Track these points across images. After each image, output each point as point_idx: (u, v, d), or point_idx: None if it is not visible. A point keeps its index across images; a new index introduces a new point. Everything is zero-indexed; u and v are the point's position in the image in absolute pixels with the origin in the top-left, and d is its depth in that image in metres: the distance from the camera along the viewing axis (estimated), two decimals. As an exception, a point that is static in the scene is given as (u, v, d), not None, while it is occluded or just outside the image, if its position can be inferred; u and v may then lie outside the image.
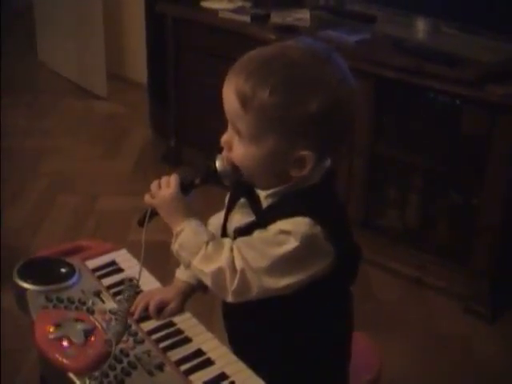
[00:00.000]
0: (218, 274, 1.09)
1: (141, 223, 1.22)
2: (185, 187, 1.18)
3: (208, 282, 1.12)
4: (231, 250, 1.10)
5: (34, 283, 1.26)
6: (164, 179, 1.19)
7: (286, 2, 3.01)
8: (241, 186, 1.18)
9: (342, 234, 1.14)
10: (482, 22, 2.39)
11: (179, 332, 1.23)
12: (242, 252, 1.09)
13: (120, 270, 1.38)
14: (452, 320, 2.42)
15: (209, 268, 1.10)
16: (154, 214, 1.20)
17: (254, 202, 1.16)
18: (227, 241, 1.13)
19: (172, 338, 1.21)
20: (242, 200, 1.19)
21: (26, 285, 1.26)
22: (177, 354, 1.18)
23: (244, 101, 1.06)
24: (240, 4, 3.05)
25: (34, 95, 4.25)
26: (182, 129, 3.34)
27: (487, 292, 2.40)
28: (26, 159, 3.44)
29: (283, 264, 1.08)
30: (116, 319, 1.12)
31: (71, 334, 1.13)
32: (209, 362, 1.17)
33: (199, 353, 1.19)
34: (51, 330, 1.13)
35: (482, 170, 2.32)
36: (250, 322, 1.22)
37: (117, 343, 1.09)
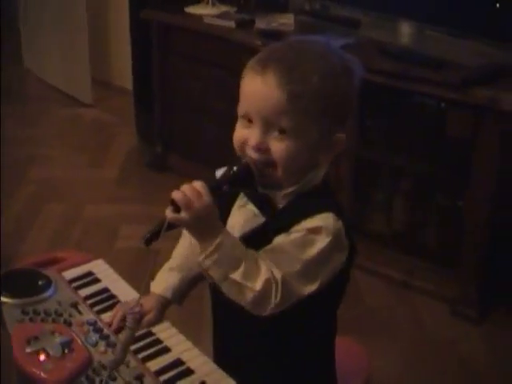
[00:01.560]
0: (266, 287, 1.02)
1: (148, 242, 1.06)
2: (216, 196, 1.04)
3: (249, 297, 1.02)
4: (263, 259, 1.04)
5: (9, 296, 1.25)
6: (190, 188, 1.01)
7: (271, 7, 3.01)
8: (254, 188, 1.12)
9: (350, 231, 1.13)
10: (467, 25, 2.40)
11: (158, 342, 1.22)
12: (276, 259, 1.05)
13: (97, 281, 1.36)
14: (440, 323, 2.42)
15: (256, 283, 1.02)
16: (170, 228, 1.04)
17: (265, 204, 1.13)
18: (253, 252, 1.06)
19: (151, 348, 1.20)
20: (241, 202, 1.16)
21: (1, 298, 1.25)
22: (156, 364, 1.17)
23: (292, 93, 1.04)
24: (225, 9, 3.05)
25: (19, 103, 4.23)
26: (168, 135, 3.33)
27: (474, 294, 2.40)
28: (12, 167, 3.42)
29: (319, 263, 1.06)
30: (118, 347, 1.10)
31: (48, 347, 1.13)
32: (189, 372, 1.17)
33: (179, 362, 1.18)
34: (28, 343, 1.12)
35: (467, 172, 2.32)
36: (241, 330, 1.20)
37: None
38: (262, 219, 1.13)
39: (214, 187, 1.05)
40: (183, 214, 1.01)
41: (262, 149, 1.06)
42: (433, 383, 2.17)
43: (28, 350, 1.12)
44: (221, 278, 1.03)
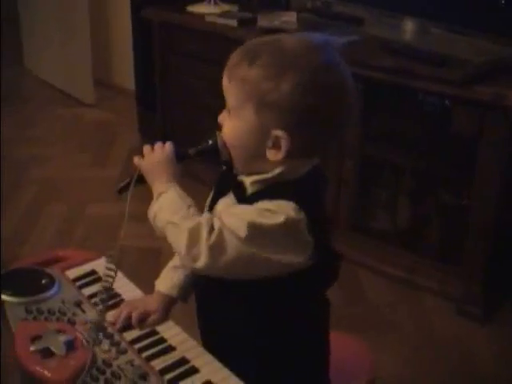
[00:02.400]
0: (196, 228, 1.06)
1: (121, 190, 1.20)
2: (179, 156, 1.18)
3: (183, 238, 1.06)
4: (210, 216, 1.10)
5: (13, 295, 1.24)
6: (158, 144, 1.19)
7: (273, 5, 3.01)
8: (228, 172, 1.18)
9: (323, 231, 1.13)
10: (470, 22, 2.38)
11: (162, 340, 1.21)
12: (222, 218, 1.07)
13: (100, 279, 1.35)
14: (444, 321, 2.41)
15: (187, 224, 1.07)
16: (139, 180, 1.18)
17: (237, 189, 1.15)
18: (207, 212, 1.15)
19: (155, 346, 1.19)
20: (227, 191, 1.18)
21: (4, 297, 1.24)
22: (161, 362, 1.16)
23: (229, 72, 1.10)
24: (226, 8, 3.04)
25: (21, 103, 4.23)
26: (170, 134, 3.32)
27: (479, 292, 2.39)
28: (14, 167, 3.42)
29: (262, 235, 1.05)
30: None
31: (52, 346, 1.12)
32: (193, 370, 1.16)
33: (183, 361, 1.17)
34: (32, 342, 1.11)
35: (472, 170, 2.31)
36: (224, 316, 1.20)
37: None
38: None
39: (181, 151, 1.19)
40: (143, 159, 1.17)
41: (221, 126, 1.16)
42: (437, 382, 2.16)
43: (32, 348, 1.11)
44: (163, 223, 1.10)
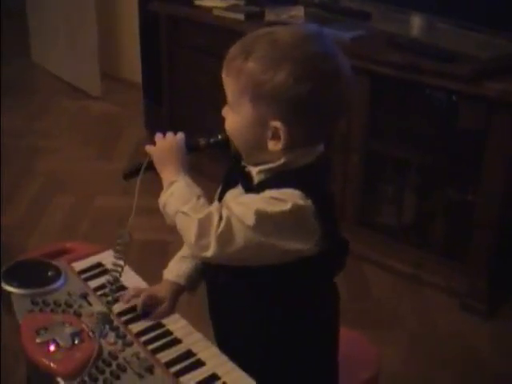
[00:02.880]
0: (206, 218, 1.07)
1: (127, 176, 1.22)
2: (189, 146, 1.21)
3: (193, 228, 1.07)
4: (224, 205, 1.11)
5: (19, 287, 1.25)
6: (170, 133, 1.22)
7: (281, 0, 2.99)
8: (235, 163, 1.20)
9: (330, 218, 1.14)
10: (478, 17, 2.37)
11: (168, 333, 1.22)
12: (231, 207, 1.09)
13: (106, 272, 1.36)
14: (449, 316, 2.41)
15: (197, 215, 1.07)
16: (147, 167, 1.19)
17: (244, 179, 1.17)
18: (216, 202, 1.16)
19: (161, 339, 1.20)
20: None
21: (11, 288, 1.25)
22: (167, 355, 1.17)
23: (226, 66, 1.14)
24: (234, 2, 3.03)
25: (28, 96, 4.24)
26: (176, 128, 3.31)
27: (484, 288, 2.39)
28: (21, 159, 3.43)
29: (269, 222, 1.07)
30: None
31: (58, 338, 1.13)
32: (199, 363, 1.16)
33: (189, 354, 1.18)
34: (38, 333, 1.11)
35: (478, 166, 2.30)
36: (234, 305, 1.21)
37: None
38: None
39: (192, 142, 1.22)
40: (154, 147, 1.19)
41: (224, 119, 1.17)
42: (441, 377, 2.16)
43: (38, 340, 1.12)
44: (173, 212, 1.12)
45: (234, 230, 1.06)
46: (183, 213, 1.10)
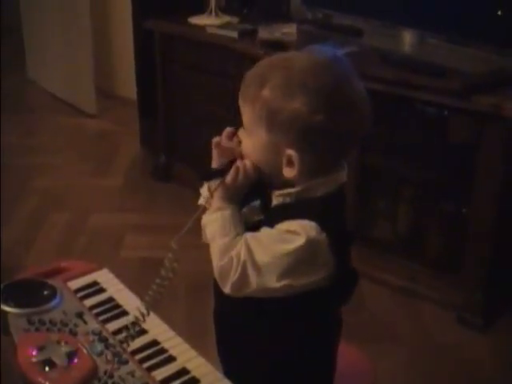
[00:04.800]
0: (226, 265, 1.11)
1: (206, 177, 1.17)
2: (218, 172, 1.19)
3: (216, 268, 1.13)
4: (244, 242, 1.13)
5: (15, 306, 1.25)
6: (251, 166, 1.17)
7: (273, 17, 3.02)
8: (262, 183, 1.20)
9: (343, 250, 1.15)
10: (469, 32, 2.40)
11: (163, 351, 1.22)
12: (250, 244, 1.11)
13: (102, 290, 1.37)
14: (445, 330, 2.42)
15: (221, 260, 1.12)
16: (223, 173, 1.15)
17: (264, 198, 1.19)
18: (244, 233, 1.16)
19: (156, 357, 1.20)
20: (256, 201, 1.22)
21: (7, 308, 1.25)
22: (161, 373, 1.17)
23: (242, 93, 1.14)
24: (227, 20, 3.06)
25: (24, 113, 4.25)
26: (171, 144, 3.34)
27: (480, 301, 2.40)
28: (17, 177, 3.44)
29: (285, 262, 1.09)
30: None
31: (54, 357, 1.13)
32: (194, 381, 1.17)
33: (184, 371, 1.18)
34: (34, 353, 1.12)
35: (470, 179, 2.32)
36: (241, 332, 1.23)
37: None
38: (260, 216, 1.20)
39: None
40: (241, 173, 1.14)
41: (235, 139, 1.17)
42: (438, 391, 2.17)
43: (34, 359, 1.12)
44: (211, 236, 1.15)
45: (250, 277, 1.10)
46: (217, 244, 1.14)
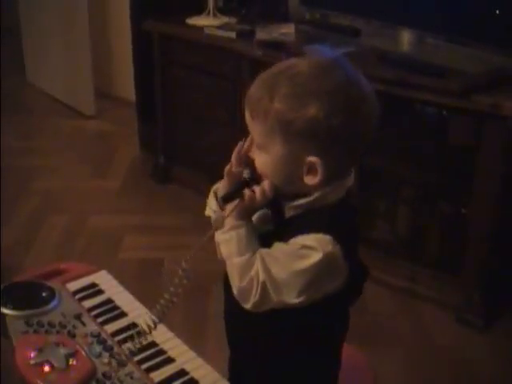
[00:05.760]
0: (249, 285, 1.10)
1: (225, 200, 1.12)
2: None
3: (235, 288, 1.12)
4: (260, 260, 1.11)
5: (13, 308, 1.25)
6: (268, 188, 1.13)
7: (272, 18, 3.02)
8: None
9: (355, 254, 1.14)
10: (467, 32, 2.40)
11: (162, 352, 1.22)
12: (267, 263, 1.10)
13: (100, 292, 1.37)
14: (444, 330, 2.41)
15: (241, 282, 1.10)
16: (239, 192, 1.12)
17: (276, 212, 1.16)
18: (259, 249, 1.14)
19: (155, 358, 1.20)
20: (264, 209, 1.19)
21: (5, 310, 1.25)
22: (160, 374, 1.17)
23: (251, 108, 1.10)
24: (225, 20, 3.06)
25: (23, 115, 4.25)
26: (170, 146, 3.34)
27: (479, 301, 2.39)
28: (16, 179, 3.44)
29: (304, 279, 1.08)
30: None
31: (53, 359, 1.13)
32: (193, 382, 1.17)
33: (183, 373, 1.18)
34: (32, 355, 1.12)
35: (470, 180, 2.32)
36: (252, 328, 1.22)
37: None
38: (270, 226, 1.17)
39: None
40: (259, 197, 1.11)
41: (245, 159, 1.14)
42: (438, 391, 2.17)
43: (32, 361, 1.12)
44: (226, 255, 1.13)
45: (270, 295, 1.09)
46: (233, 264, 1.12)
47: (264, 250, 1.12)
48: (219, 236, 1.13)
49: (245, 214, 1.13)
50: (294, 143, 1.08)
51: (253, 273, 1.09)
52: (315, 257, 1.07)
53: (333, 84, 1.07)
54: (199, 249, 1.10)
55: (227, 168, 1.15)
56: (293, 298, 1.09)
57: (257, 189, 1.11)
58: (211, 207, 1.19)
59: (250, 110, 1.10)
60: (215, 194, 1.18)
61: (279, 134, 1.08)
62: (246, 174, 1.13)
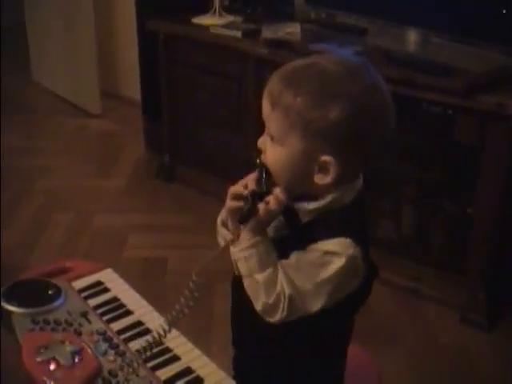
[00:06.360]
0: (276, 301, 1.09)
1: (242, 221, 1.10)
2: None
3: (259, 304, 1.11)
4: (283, 273, 1.10)
5: (19, 306, 1.26)
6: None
7: (277, 17, 3.02)
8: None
9: (369, 254, 1.14)
10: (473, 31, 2.40)
11: (167, 350, 1.23)
12: (290, 274, 1.09)
13: (106, 290, 1.37)
14: (449, 330, 2.41)
15: (267, 298, 1.09)
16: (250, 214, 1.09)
17: (291, 218, 1.15)
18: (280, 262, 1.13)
19: (160, 356, 1.21)
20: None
21: (11, 308, 1.25)
22: (166, 372, 1.18)
23: (272, 100, 1.09)
24: (231, 19, 3.06)
25: (28, 114, 4.25)
26: (175, 145, 3.35)
27: (483, 301, 2.39)
28: (20, 178, 3.44)
29: (329, 286, 1.08)
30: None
31: (59, 356, 1.13)
32: (198, 380, 1.17)
33: (188, 371, 1.18)
34: (38, 352, 1.12)
35: (475, 179, 2.32)
36: (258, 328, 1.20)
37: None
38: (286, 231, 1.16)
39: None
40: (274, 206, 1.09)
41: (262, 150, 1.13)
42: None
43: (38, 359, 1.13)
44: (246, 272, 1.12)
45: (298, 307, 1.09)
46: (256, 282, 1.10)
47: (285, 262, 1.11)
48: (237, 254, 1.12)
49: (261, 229, 1.12)
50: (311, 140, 1.07)
51: (278, 288, 1.09)
52: (338, 262, 1.07)
53: (359, 88, 1.07)
54: (209, 262, 1.09)
55: (232, 190, 1.13)
56: (319, 306, 1.09)
57: (270, 198, 1.09)
58: (224, 237, 1.18)
59: (272, 100, 1.09)
60: (223, 222, 1.17)
61: (298, 130, 1.07)
62: (255, 186, 1.10)
